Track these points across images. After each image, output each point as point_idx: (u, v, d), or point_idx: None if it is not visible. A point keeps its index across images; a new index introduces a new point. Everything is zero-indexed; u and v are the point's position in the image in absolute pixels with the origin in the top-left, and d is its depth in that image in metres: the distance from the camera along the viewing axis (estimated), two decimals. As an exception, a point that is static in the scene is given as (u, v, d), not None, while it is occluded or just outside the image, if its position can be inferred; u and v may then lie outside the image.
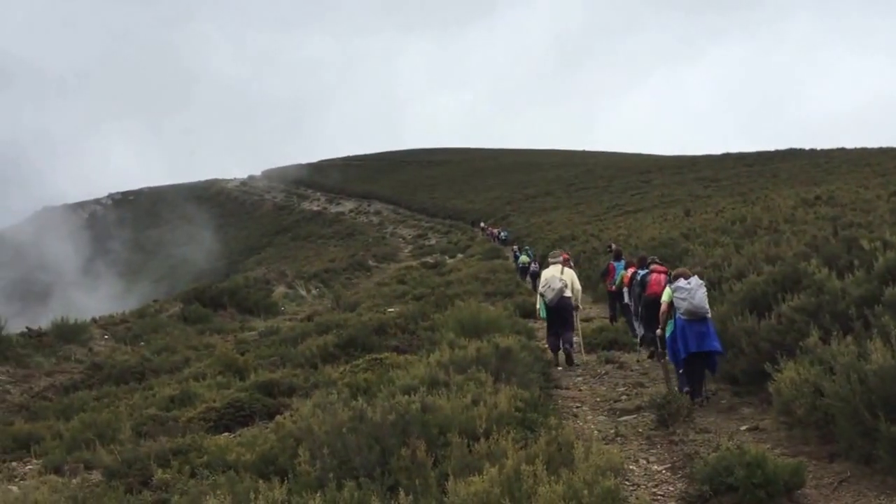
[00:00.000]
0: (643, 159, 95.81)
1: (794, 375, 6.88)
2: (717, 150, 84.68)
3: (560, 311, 12.36)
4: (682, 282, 9.21)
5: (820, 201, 25.11)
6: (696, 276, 9.35)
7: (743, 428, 8.00)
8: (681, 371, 9.36)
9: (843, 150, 64.65)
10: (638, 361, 12.30)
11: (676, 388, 9.33)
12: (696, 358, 9.07)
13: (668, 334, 9.58)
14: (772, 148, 72.37)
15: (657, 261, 12.26)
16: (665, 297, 9.66)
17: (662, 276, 11.20)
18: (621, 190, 62.08)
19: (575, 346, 12.69)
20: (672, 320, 9.41)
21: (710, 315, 9.12)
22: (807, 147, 69.90)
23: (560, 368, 12.35)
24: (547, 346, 12.96)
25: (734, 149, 79.63)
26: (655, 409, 8.46)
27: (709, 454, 6.77)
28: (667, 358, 9.91)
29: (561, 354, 12.56)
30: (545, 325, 13.20)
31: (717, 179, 55.42)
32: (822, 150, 66.27)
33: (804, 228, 16.80)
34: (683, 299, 9.07)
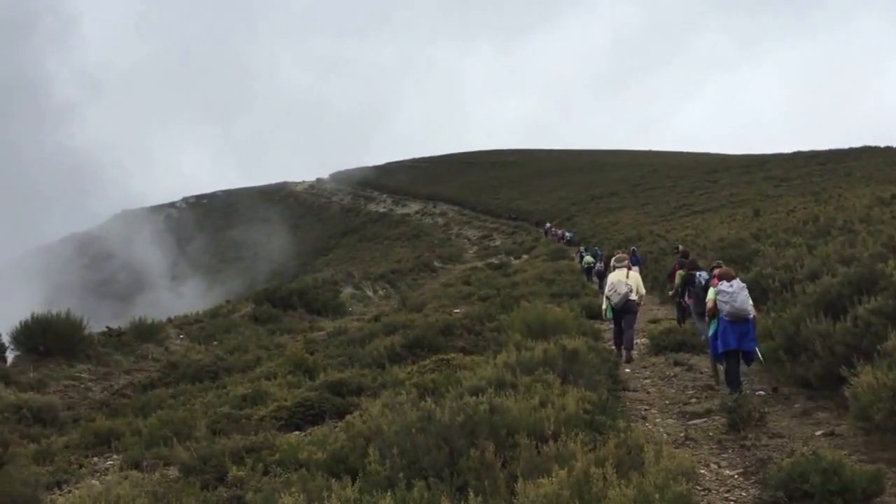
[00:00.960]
0: (710, 159, 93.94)
1: (872, 380, 6.70)
2: (785, 149, 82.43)
3: (625, 312, 13.14)
4: (724, 285, 9.70)
5: (897, 200, 24.33)
6: (737, 280, 9.81)
7: (818, 433, 7.83)
8: (721, 365, 10.02)
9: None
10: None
11: (724, 382, 9.94)
12: (733, 355, 9.62)
13: (710, 332, 10.10)
14: (845, 146, 70.15)
15: (721, 263, 12.14)
16: (710, 297, 10.05)
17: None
18: (688, 190, 61.04)
19: (633, 346, 13.44)
20: (716, 319, 9.84)
21: (752, 316, 9.65)
22: (882, 145, 67.58)
23: (627, 368, 12.30)
24: (613, 344, 13.78)
25: (803, 147, 77.31)
26: (726, 413, 8.34)
27: (783, 459, 6.64)
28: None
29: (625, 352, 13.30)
30: (612, 325, 13.94)
31: (788, 178, 54.08)
32: (898, 148, 64.07)
33: (880, 228, 16.32)
34: (726, 302, 9.58)
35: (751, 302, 9.72)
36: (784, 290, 11.92)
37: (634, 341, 13.64)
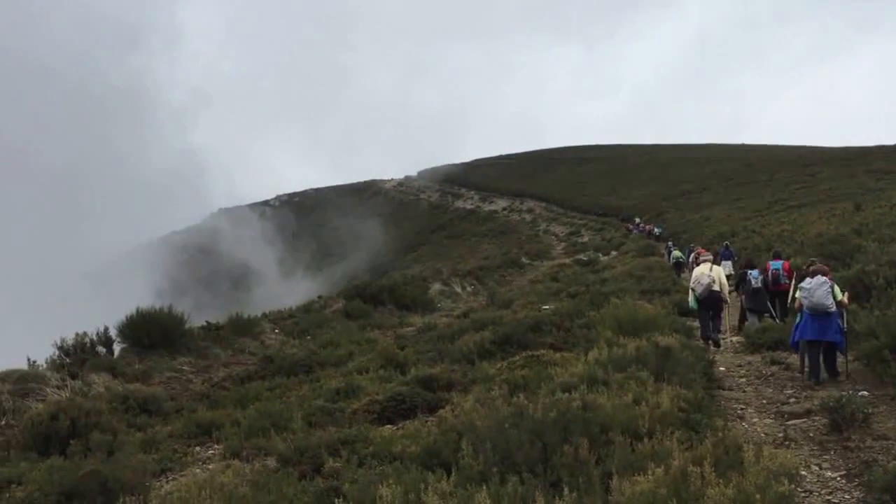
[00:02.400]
0: (807, 152, 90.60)
1: None
2: (888, 141, 78.57)
3: (709, 302, 14.04)
4: (805, 282, 10.57)
5: None
6: (819, 276, 10.48)
7: (926, 436, 7.52)
8: (804, 353, 10.65)
9: None
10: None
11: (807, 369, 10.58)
12: (814, 345, 10.34)
13: (795, 323, 10.89)
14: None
15: (816, 261, 12.86)
16: (796, 294, 10.95)
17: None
18: (784, 184, 59.09)
19: (722, 332, 14.44)
20: (800, 313, 10.68)
21: (832, 310, 10.29)
22: None
23: (722, 367, 12.04)
24: (701, 338, 14.21)
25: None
26: (828, 413, 8.08)
27: (889, 462, 6.42)
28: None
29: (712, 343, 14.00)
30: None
31: (892, 171, 51.78)
32: None
33: None
34: (805, 297, 10.45)
35: (836, 297, 10.38)
36: (889, 287, 11.48)
37: (728, 338, 14.39)
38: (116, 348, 15.67)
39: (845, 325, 10.59)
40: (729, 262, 23.95)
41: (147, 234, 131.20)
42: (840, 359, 10.62)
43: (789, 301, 14.78)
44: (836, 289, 10.63)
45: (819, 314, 10.32)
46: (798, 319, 10.79)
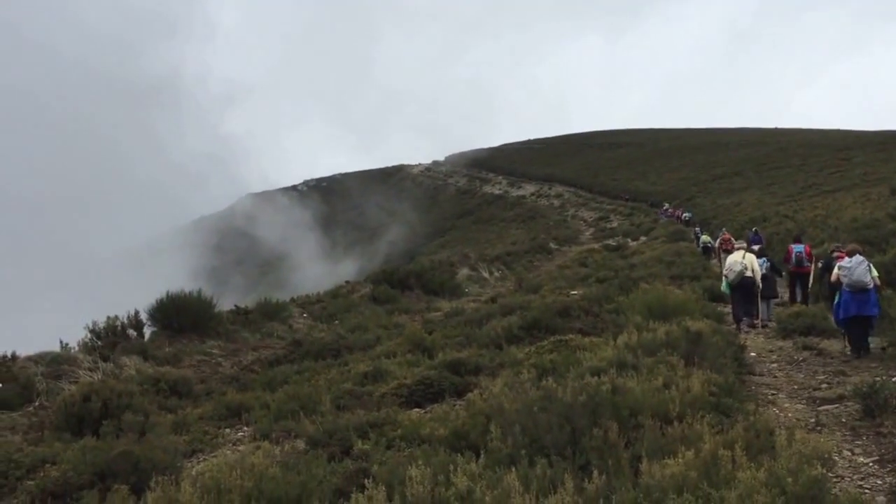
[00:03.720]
0: (841, 136, 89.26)
1: None
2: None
3: (742, 288, 14.62)
4: (844, 261, 11.33)
5: None
6: (858, 255, 11.24)
7: (962, 422, 7.39)
8: (845, 329, 11.43)
9: None
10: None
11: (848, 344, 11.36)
12: (856, 321, 11.02)
13: (836, 302, 11.52)
14: None
15: (840, 247, 13.97)
16: (835, 272, 11.61)
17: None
18: (818, 168, 58.31)
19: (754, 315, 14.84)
20: (839, 291, 11.36)
21: (871, 287, 10.99)
22: None
23: (752, 353, 11.93)
24: (733, 320, 14.89)
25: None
26: (861, 399, 7.97)
27: (923, 448, 6.33)
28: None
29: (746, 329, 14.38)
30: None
31: (929, 155, 50.91)
32: None
33: None
34: (845, 276, 11.11)
35: (872, 275, 11.05)
36: (925, 272, 11.30)
37: (761, 319, 14.84)
38: (147, 332, 15.85)
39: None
40: (756, 247, 23.77)
41: (181, 219, 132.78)
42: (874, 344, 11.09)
43: (811, 283, 16.59)
44: (873, 268, 11.31)
45: (857, 290, 11.01)
46: (838, 298, 11.44)
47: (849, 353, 11.23)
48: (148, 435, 8.08)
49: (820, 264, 15.41)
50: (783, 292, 17.65)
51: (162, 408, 10.76)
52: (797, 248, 17.00)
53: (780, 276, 16.08)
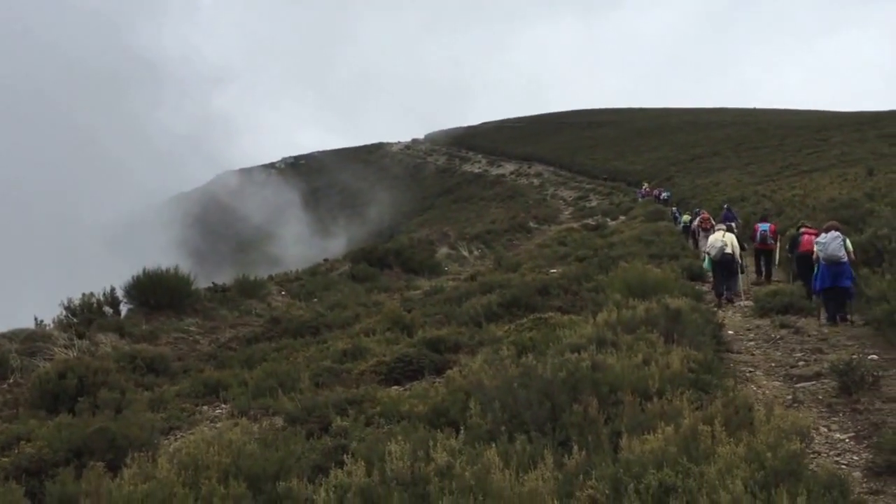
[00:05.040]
0: (819, 116, 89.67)
1: None
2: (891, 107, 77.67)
3: (723, 264, 15.43)
4: (822, 235, 12.24)
5: None
6: (833, 231, 12.14)
7: (936, 398, 7.47)
8: (818, 299, 12.38)
9: None
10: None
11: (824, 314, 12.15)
12: (831, 291, 11.93)
13: (814, 274, 12.46)
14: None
15: (806, 223, 15.23)
16: (813, 248, 12.61)
17: (814, 237, 13.50)
18: (795, 149, 58.55)
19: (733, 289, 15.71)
20: (817, 264, 12.31)
21: (844, 260, 11.86)
22: None
23: (730, 330, 12.02)
24: (714, 292, 15.83)
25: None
26: (837, 376, 8.03)
27: (898, 424, 6.39)
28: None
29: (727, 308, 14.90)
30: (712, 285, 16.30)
31: (905, 136, 51.25)
32: None
33: None
34: (821, 250, 12.08)
35: (847, 248, 11.96)
36: (901, 251, 11.40)
37: (739, 303, 15.26)
38: (123, 309, 15.71)
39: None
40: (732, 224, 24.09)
41: (159, 196, 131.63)
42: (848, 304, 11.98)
43: (777, 259, 18.09)
44: (848, 242, 12.20)
45: (832, 263, 11.89)
46: (816, 270, 12.36)
47: (825, 322, 11.97)
48: (124, 412, 8.01)
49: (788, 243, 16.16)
50: (749, 268, 18.44)
51: (138, 385, 10.69)
52: (762, 226, 18.10)
53: (744, 249, 16.80)
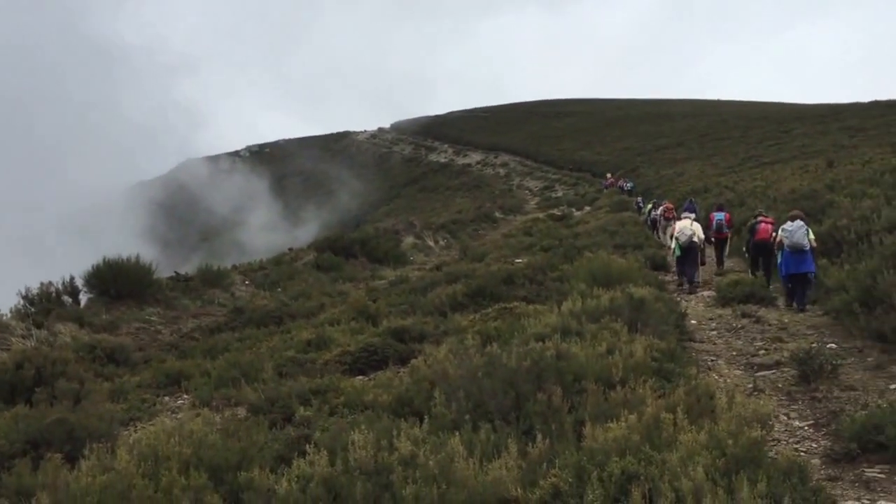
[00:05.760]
0: (781, 109, 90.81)
1: (954, 332, 6.45)
2: (862, 98, 78.76)
3: (689, 251, 16.12)
4: (787, 224, 12.76)
5: (981, 150, 23.22)
6: (798, 220, 12.68)
7: (892, 386, 7.60)
8: (788, 285, 12.93)
9: None
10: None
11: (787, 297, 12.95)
12: (795, 277, 12.58)
13: (779, 261, 13.07)
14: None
15: (762, 212, 16.12)
16: (778, 235, 13.18)
17: (770, 226, 14.71)
18: (758, 140, 59.26)
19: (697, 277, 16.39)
20: (781, 251, 12.93)
21: (808, 248, 12.47)
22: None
23: (693, 320, 12.13)
24: (677, 277, 16.75)
25: (881, 97, 73.76)
26: (796, 365, 8.15)
27: (856, 411, 6.48)
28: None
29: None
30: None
31: (864, 129, 52.01)
32: None
33: (964, 179, 15.63)
34: (786, 238, 12.63)
35: (809, 237, 12.53)
36: (860, 242, 11.60)
37: (700, 291, 15.79)
38: (83, 298, 15.46)
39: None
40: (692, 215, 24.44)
41: (120, 184, 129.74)
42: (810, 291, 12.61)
43: (727, 247, 18.86)
44: (811, 232, 12.75)
45: (796, 251, 12.49)
46: (780, 258, 12.99)
47: (788, 306, 12.73)
48: (83, 402, 7.90)
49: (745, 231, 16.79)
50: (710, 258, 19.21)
51: (98, 375, 10.54)
52: (718, 215, 18.64)
53: (712, 237, 18.31)
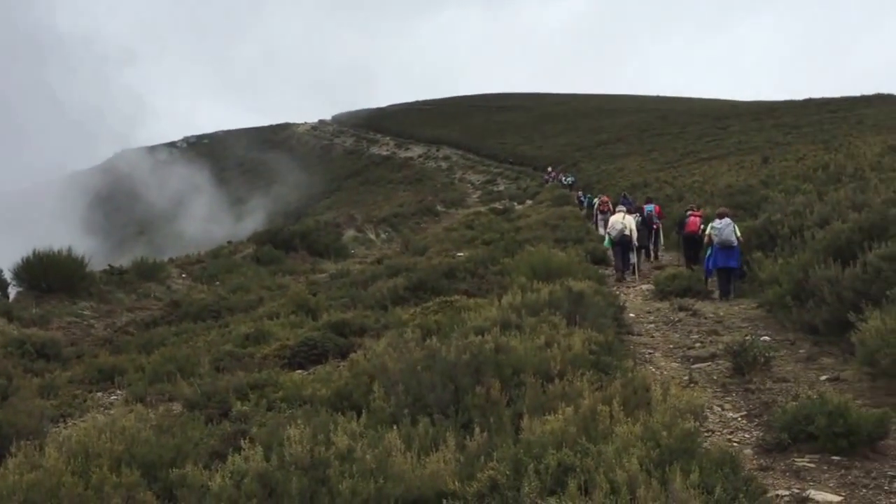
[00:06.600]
0: (719, 105, 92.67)
1: (880, 325, 6.65)
2: (796, 96, 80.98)
3: (622, 243, 17.10)
4: (716, 222, 13.55)
5: (909, 148, 24.02)
6: (726, 218, 13.55)
7: (823, 378, 7.82)
8: (711, 278, 14.07)
9: (937, 94, 61.28)
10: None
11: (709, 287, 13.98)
12: (723, 271, 13.46)
13: (707, 255, 14.01)
14: (857, 93, 68.89)
15: (694, 208, 17.22)
16: (707, 231, 13.97)
17: (699, 219, 15.98)
18: (696, 136, 60.35)
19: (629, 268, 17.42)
20: (710, 247, 13.75)
21: (735, 244, 13.30)
22: (894, 92, 66.39)
23: (632, 314, 12.30)
24: (614, 268, 17.57)
25: (815, 94, 75.84)
26: (731, 357, 8.32)
27: (787, 403, 6.63)
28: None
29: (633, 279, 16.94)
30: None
31: (798, 126, 53.36)
32: (912, 95, 62.88)
33: (892, 176, 16.17)
34: (716, 234, 13.41)
35: (736, 234, 13.37)
36: (793, 237, 11.89)
37: (639, 284, 16.33)
38: (12, 292, 15.00)
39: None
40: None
41: (53, 174, 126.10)
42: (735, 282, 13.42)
43: (654, 240, 19.98)
44: (737, 228, 13.57)
45: (725, 247, 13.30)
46: (709, 253, 13.83)
47: (716, 296, 13.51)
48: (11, 399, 7.66)
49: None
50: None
51: (27, 371, 10.25)
52: (648, 207, 19.95)
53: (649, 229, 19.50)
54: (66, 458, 4.83)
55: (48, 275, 15.36)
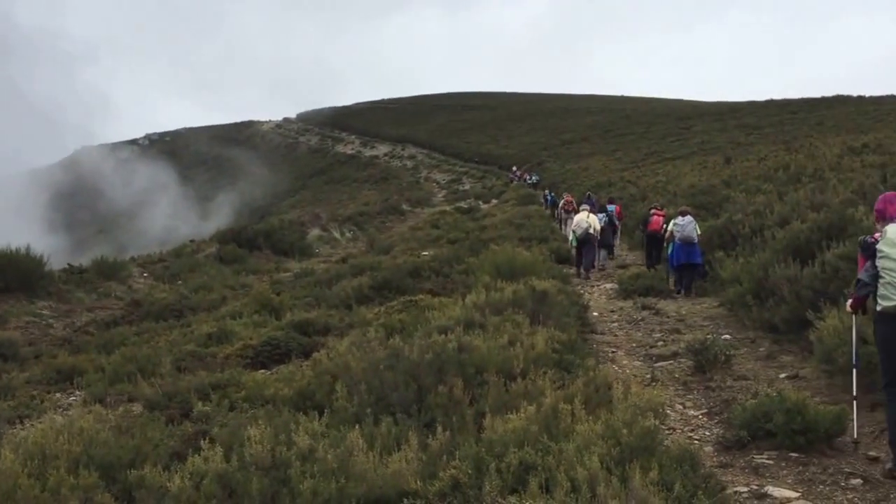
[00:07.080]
0: (682, 105, 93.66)
1: (838, 323, 6.76)
2: (758, 97, 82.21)
3: (585, 241, 17.44)
4: (678, 219, 14.04)
5: (867, 149, 24.46)
6: (688, 216, 14.03)
7: (782, 375, 7.93)
8: (672, 274, 14.48)
9: (893, 97, 62.42)
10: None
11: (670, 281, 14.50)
12: (684, 267, 13.91)
13: (669, 252, 14.43)
14: (818, 95, 70.04)
15: (657, 206, 17.52)
16: (669, 228, 14.46)
17: (661, 218, 16.26)
18: (660, 136, 60.93)
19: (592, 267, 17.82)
20: (671, 243, 14.19)
21: (696, 241, 13.81)
22: (854, 94, 67.58)
23: (595, 312, 12.39)
24: (575, 266, 17.99)
25: (775, 96, 76.95)
26: (692, 355, 8.42)
27: (747, 400, 6.72)
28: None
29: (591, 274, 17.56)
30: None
31: (760, 127, 54.10)
32: (870, 97, 63.88)
33: (850, 176, 16.45)
34: (678, 231, 13.89)
35: (696, 232, 13.85)
36: (754, 236, 12.06)
37: (602, 283, 16.37)
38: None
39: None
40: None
41: (11, 171, 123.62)
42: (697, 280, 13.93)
43: (618, 238, 21.11)
44: (697, 226, 14.06)
45: (686, 244, 13.77)
46: (671, 249, 14.30)
47: (677, 292, 13.95)
48: (-35, 401, 7.50)
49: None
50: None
51: (-17, 372, 10.04)
52: (609, 207, 20.50)
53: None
54: (23, 459, 4.74)
55: (5, 273, 15.06)
